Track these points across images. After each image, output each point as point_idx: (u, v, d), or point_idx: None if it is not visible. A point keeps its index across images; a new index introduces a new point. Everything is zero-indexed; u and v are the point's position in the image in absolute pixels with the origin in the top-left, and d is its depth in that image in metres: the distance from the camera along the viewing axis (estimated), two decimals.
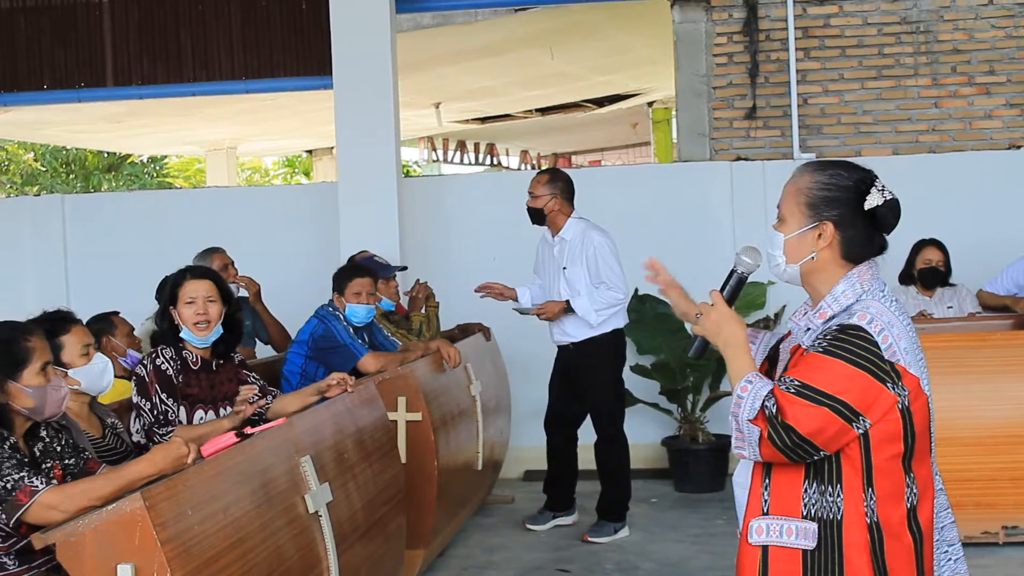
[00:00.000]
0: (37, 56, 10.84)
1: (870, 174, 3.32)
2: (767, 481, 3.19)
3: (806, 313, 3.36)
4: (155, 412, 5.39)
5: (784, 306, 9.59)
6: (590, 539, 7.83)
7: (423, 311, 8.52)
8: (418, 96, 15.83)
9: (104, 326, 6.65)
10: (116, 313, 6.99)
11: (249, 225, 10.23)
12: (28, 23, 10.81)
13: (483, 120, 20.45)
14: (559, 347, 8.12)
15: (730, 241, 9.71)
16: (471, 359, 8.12)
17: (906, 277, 8.91)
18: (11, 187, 26.09)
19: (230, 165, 20.67)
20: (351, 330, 7.19)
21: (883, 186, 3.30)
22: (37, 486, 3.96)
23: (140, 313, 7.46)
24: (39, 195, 19.93)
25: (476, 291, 8.02)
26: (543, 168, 8.70)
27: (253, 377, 5.78)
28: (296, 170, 29.99)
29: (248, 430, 4.33)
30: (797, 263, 3.32)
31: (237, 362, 5.79)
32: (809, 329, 3.26)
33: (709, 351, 3.43)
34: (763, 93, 10.19)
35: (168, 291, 5.67)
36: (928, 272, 8.81)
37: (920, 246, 8.89)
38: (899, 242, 8.89)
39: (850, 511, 3.11)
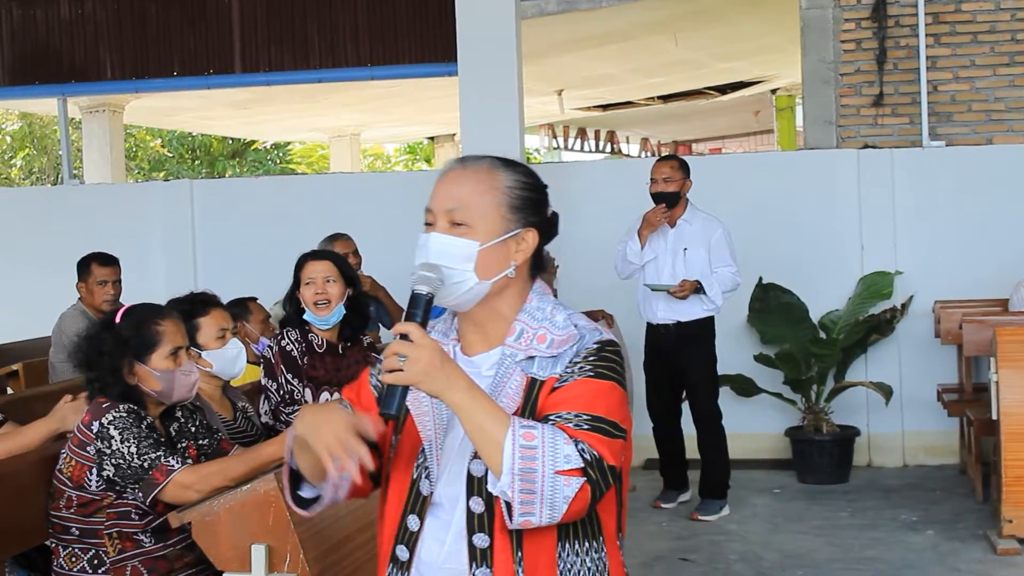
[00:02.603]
0: (167, 43, 11.03)
1: None
2: (519, 554, 2.53)
3: (477, 348, 2.69)
4: (281, 392, 5.47)
5: (911, 296, 9.44)
6: (700, 518, 8.00)
7: None
8: (540, 83, 15.85)
9: (240, 311, 6.73)
10: (254, 299, 7.08)
11: (372, 211, 10.29)
12: (159, 11, 11.01)
13: (605, 107, 20.41)
14: (651, 329, 8.26)
15: (856, 230, 9.58)
16: None
17: None
18: (139, 173, 26.58)
19: (353, 151, 20.87)
20: None
21: None
22: (173, 465, 4.03)
23: (265, 297, 7.56)
24: (167, 180, 20.28)
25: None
26: (666, 155, 8.66)
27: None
28: (417, 157, 30.17)
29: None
30: (491, 280, 2.62)
31: (366, 345, 5.83)
32: (533, 357, 2.59)
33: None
34: (891, 80, 10.02)
35: (293, 275, 5.74)
36: None
37: None
38: None
39: (614, 565, 2.65)
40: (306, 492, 2.68)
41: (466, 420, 2.43)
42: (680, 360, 8.17)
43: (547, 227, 2.71)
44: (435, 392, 2.44)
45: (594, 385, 2.52)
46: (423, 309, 2.53)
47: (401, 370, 2.42)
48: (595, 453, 2.43)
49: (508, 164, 2.70)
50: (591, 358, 2.55)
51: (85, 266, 7.84)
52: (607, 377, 2.54)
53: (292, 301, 5.72)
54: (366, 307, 5.92)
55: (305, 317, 5.64)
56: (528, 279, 2.69)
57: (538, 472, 2.39)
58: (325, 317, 5.61)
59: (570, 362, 2.56)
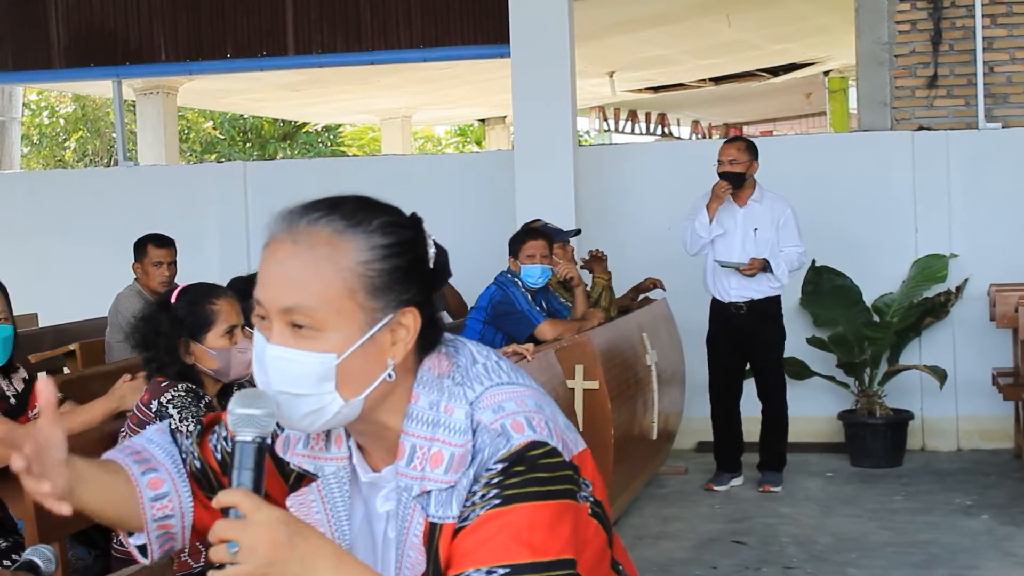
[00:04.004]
0: (220, 26, 11.08)
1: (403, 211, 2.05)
2: None
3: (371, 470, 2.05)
4: None
5: (966, 279, 9.36)
6: (772, 489, 8.18)
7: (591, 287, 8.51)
8: (592, 65, 15.81)
9: None
10: None
11: (424, 193, 10.28)
12: None
13: (656, 89, 20.34)
14: (722, 307, 8.30)
15: (911, 213, 9.51)
16: (647, 328, 8.12)
17: None
18: (191, 155, 26.73)
19: (405, 134, 20.89)
20: (529, 297, 7.25)
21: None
22: None
23: None
24: (220, 162, 20.42)
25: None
26: (733, 137, 8.64)
27: None
28: (468, 139, 30.19)
29: None
30: (363, 394, 1.90)
31: None
32: (429, 492, 1.91)
33: None
34: (946, 61, 9.91)
35: None
36: None
37: None
38: None
39: None
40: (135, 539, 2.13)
41: None
42: (752, 339, 8.26)
43: (432, 286, 2.03)
44: None
45: (508, 519, 1.84)
46: (253, 465, 1.79)
47: (235, 563, 1.68)
48: None
49: (357, 222, 1.94)
50: (494, 481, 1.86)
51: (141, 247, 7.90)
52: (527, 498, 1.85)
53: None
54: None
55: None
56: (411, 369, 1.97)
57: None
58: None
59: (469, 492, 1.89)
